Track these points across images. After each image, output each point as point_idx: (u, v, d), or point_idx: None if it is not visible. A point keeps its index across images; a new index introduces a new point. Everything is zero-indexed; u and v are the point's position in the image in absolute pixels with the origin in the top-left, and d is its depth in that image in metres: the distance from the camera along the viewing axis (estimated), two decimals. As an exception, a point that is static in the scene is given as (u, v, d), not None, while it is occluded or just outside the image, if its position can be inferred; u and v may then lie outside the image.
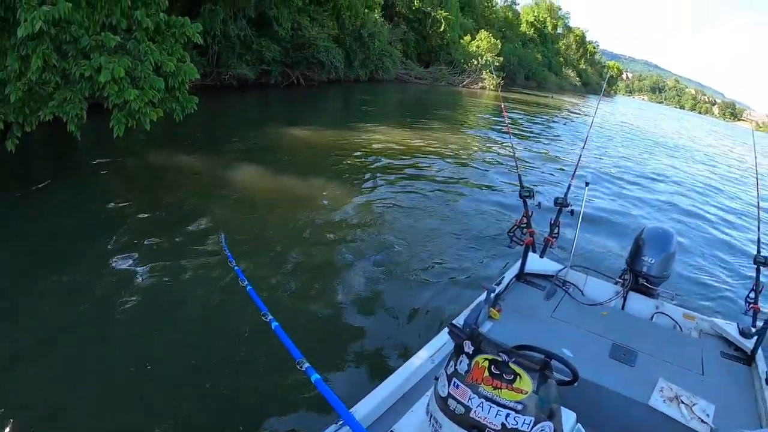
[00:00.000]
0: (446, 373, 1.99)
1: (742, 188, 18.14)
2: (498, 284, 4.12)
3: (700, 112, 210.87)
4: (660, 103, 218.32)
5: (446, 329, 2.11)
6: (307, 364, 2.06)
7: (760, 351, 3.75)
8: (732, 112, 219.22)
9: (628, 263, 4.62)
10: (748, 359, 3.77)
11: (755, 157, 5.98)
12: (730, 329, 4.02)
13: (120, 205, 6.78)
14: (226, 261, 3.15)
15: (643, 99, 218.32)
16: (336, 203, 8.08)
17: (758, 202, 4.98)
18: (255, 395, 3.83)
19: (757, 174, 5.60)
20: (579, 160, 5.53)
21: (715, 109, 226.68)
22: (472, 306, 3.71)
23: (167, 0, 7.32)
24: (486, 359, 1.92)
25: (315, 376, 2.01)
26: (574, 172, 5.20)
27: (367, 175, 10.20)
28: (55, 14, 5.40)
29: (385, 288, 5.56)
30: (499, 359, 1.91)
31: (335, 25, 27.78)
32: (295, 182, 8.95)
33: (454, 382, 1.92)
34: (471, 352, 1.96)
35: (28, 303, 4.54)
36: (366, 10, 31.47)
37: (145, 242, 5.80)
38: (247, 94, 21.24)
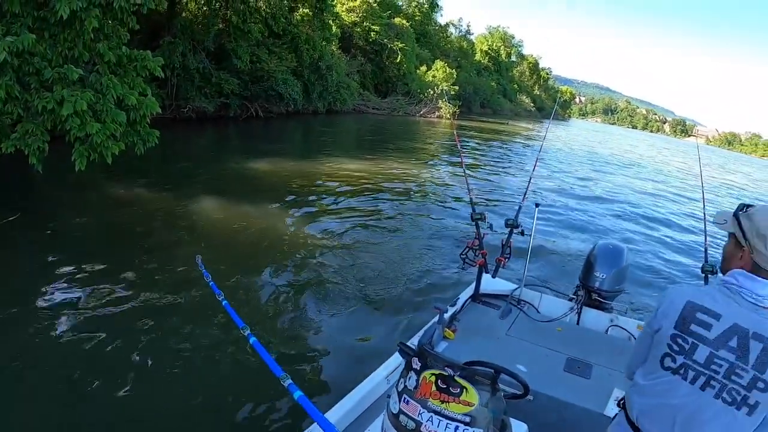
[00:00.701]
0: (397, 390, 2.03)
1: (689, 200, 18.83)
2: (452, 305, 4.24)
3: (651, 131, 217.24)
4: (613, 124, 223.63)
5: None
6: (289, 381, 2.02)
7: None
8: (683, 128, 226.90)
9: (581, 280, 4.76)
10: None
11: (700, 172, 6.13)
12: None
13: (84, 240, 6.82)
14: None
15: (596, 121, 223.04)
16: (297, 233, 8.21)
17: (704, 213, 5.14)
18: (237, 411, 3.90)
19: (702, 186, 5.79)
20: (529, 182, 5.65)
21: (666, 127, 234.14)
22: (426, 327, 3.81)
23: (128, 33, 7.47)
24: (433, 374, 1.96)
25: (297, 393, 1.97)
26: (525, 193, 5.31)
27: (327, 205, 10.36)
28: (19, 45, 5.44)
29: (340, 312, 5.61)
30: (445, 373, 1.95)
31: (293, 57, 27.98)
32: (257, 213, 9.03)
33: (404, 398, 1.97)
34: (419, 368, 2.00)
35: None
36: (324, 43, 31.82)
37: (110, 275, 5.78)
38: (206, 126, 21.19)
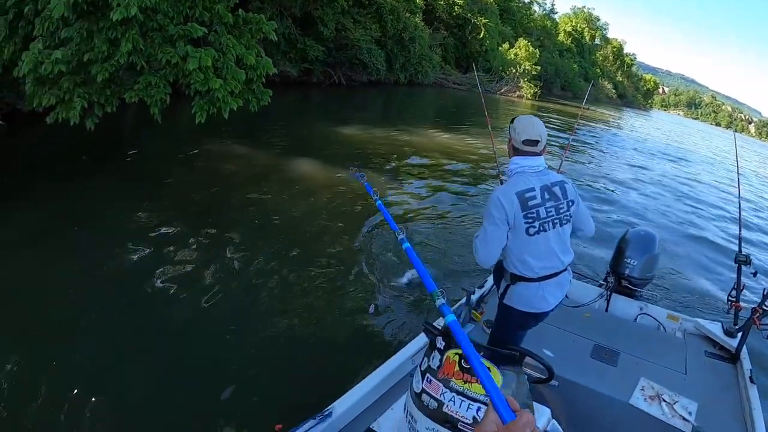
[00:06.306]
0: (420, 369, 2.02)
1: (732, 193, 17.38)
2: (480, 287, 4.26)
3: (736, 130, 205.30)
4: (695, 119, 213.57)
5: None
6: (441, 300, 1.61)
7: (744, 349, 3.83)
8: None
9: (611, 266, 4.74)
10: (733, 358, 3.84)
11: (736, 159, 5.96)
12: (714, 329, 4.12)
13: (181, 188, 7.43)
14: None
15: (678, 114, 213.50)
16: (390, 202, 8.20)
17: (739, 203, 5.00)
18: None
19: (738, 175, 5.61)
20: (560, 164, 5.73)
21: (752, 128, 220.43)
22: (453, 308, 3.79)
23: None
24: (456, 354, 1.95)
25: (450, 317, 1.46)
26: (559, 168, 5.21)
27: (412, 176, 10.38)
28: (147, 2, 5.61)
29: (378, 290, 5.36)
30: None
31: (378, 27, 28.00)
32: (341, 177, 9.07)
33: (427, 378, 1.96)
34: (443, 348, 1.99)
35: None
36: (408, 14, 31.60)
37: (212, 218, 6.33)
38: (290, 91, 21.38)
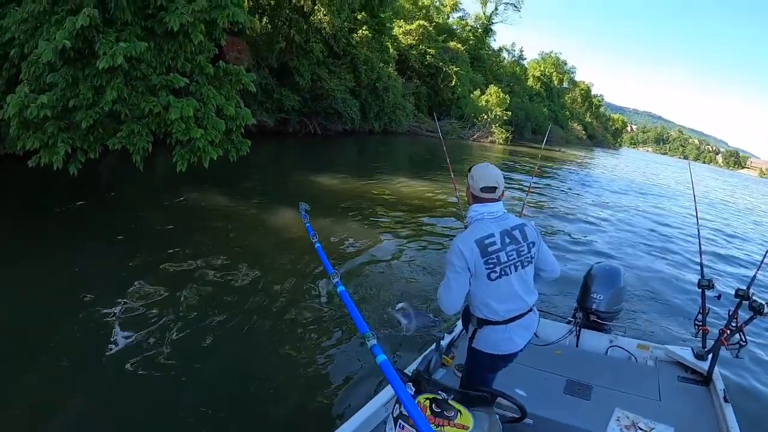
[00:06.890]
0: (392, 416, 2.05)
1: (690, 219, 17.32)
2: (449, 332, 4.30)
3: (704, 162, 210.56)
4: (664, 154, 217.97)
5: None
6: (373, 341, 1.80)
7: (716, 370, 3.90)
8: (736, 160, 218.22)
9: (579, 302, 4.82)
10: (706, 380, 3.92)
11: (693, 188, 6.25)
12: (685, 354, 4.20)
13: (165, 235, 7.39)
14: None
15: (647, 150, 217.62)
16: (362, 249, 8.24)
17: (698, 230, 5.16)
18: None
19: (695, 203, 5.86)
20: (523, 206, 5.93)
21: (719, 158, 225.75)
22: (424, 354, 3.87)
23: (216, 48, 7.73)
24: (427, 398, 2.02)
25: (381, 357, 1.72)
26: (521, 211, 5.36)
27: (390, 225, 10.37)
28: (132, 51, 5.78)
29: (350, 337, 5.30)
30: (439, 397, 2.01)
31: (352, 77, 28.60)
32: (321, 226, 9.01)
33: (400, 424, 1.98)
34: (413, 393, 2.06)
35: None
36: (381, 64, 32.35)
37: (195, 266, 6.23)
38: (266, 140, 21.43)
